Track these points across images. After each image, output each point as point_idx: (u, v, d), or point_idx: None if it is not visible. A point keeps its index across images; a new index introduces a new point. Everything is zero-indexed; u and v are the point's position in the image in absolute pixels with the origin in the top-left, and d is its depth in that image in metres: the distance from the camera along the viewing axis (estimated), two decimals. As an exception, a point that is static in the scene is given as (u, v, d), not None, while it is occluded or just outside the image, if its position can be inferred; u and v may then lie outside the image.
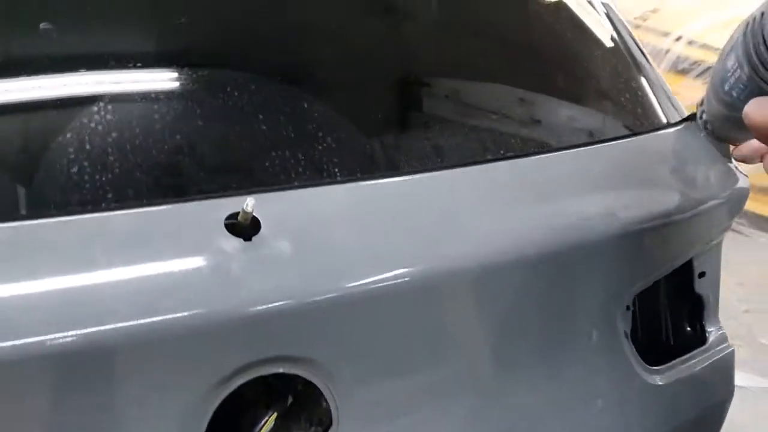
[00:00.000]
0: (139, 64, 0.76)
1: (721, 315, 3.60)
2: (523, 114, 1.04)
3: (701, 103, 0.77)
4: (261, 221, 0.71)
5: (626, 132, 1.07)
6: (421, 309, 0.79)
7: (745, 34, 0.58)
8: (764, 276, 3.67)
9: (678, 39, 4.07)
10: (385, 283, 0.74)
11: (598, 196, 0.94)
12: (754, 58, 0.57)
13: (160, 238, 0.69)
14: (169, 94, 0.76)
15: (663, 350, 1.10)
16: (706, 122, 0.76)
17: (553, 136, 1.03)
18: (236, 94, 0.80)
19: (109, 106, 0.73)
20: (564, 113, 1.08)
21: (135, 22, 0.79)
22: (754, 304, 3.41)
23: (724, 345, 1.13)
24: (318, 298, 0.71)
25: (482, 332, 0.86)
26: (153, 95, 0.76)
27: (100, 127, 0.72)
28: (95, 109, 0.72)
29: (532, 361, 0.90)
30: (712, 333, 1.12)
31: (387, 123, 0.87)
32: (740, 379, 3.08)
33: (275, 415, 0.85)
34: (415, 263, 0.77)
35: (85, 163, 0.70)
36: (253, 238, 0.70)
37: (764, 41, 0.56)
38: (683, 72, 4.06)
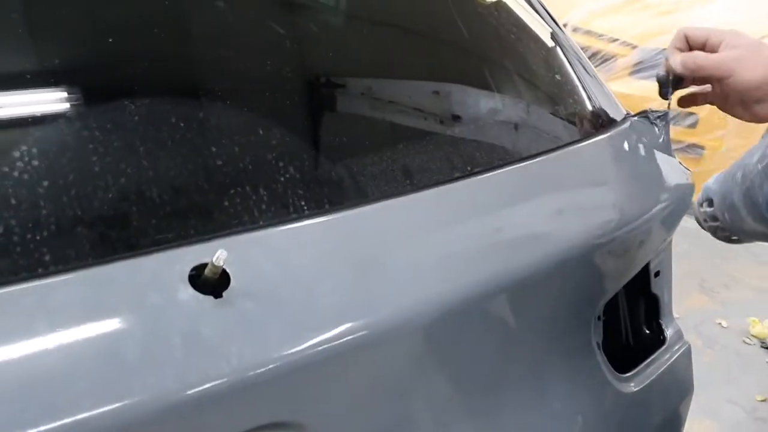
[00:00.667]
0: (64, 94, 0.64)
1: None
2: (459, 126, 0.98)
3: (702, 204, 0.70)
4: (231, 272, 0.62)
5: (576, 137, 1.04)
6: (410, 352, 0.72)
7: None
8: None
9: (564, 26, 4.18)
10: (372, 330, 0.67)
11: (561, 211, 0.90)
12: None
13: (116, 304, 0.58)
14: (102, 128, 0.64)
15: (625, 355, 1.08)
16: (715, 228, 0.71)
17: (505, 147, 0.99)
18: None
19: (34, 150, 0.61)
20: (509, 125, 1.03)
21: (54, 50, 0.66)
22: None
23: (681, 342, 1.13)
24: (301, 357, 0.62)
25: (472, 367, 0.80)
26: (84, 130, 0.64)
27: (25, 176, 0.59)
28: (17, 154, 0.60)
29: (516, 388, 0.86)
30: (670, 331, 1.12)
31: (356, 147, 0.79)
32: (649, 353, 3.17)
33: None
34: (400, 304, 0.70)
35: (12, 222, 0.58)
36: (224, 294, 0.61)
37: None
38: (570, 58, 4.22)
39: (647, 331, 1.10)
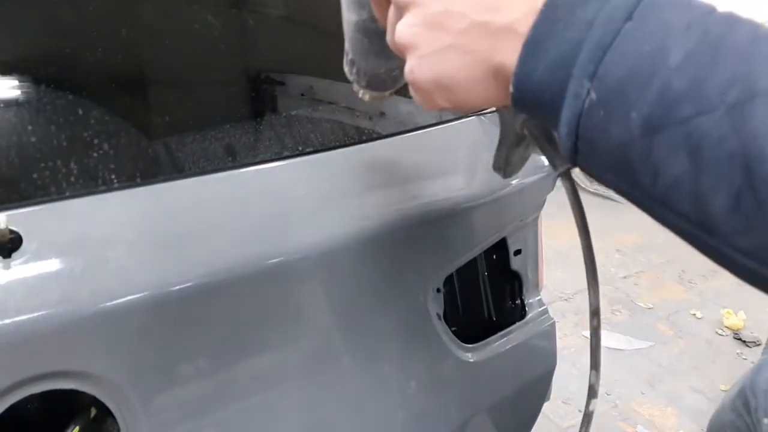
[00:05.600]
0: None
1: (601, 282, 3.75)
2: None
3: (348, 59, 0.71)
4: (24, 236, 0.69)
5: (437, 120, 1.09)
6: (215, 309, 0.79)
7: None
8: (640, 241, 3.86)
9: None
10: (163, 290, 0.74)
11: (400, 185, 0.96)
12: None
13: None
14: None
15: (488, 328, 1.14)
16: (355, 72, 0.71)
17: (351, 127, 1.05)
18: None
19: None
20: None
21: None
22: (631, 270, 3.59)
23: (543, 317, 1.18)
24: (83, 311, 0.70)
25: (288, 328, 0.87)
26: None
27: None
28: None
29: (344, 349, 0.91)
30: (532, 307, 1.17)
31: (173, 124, 0.86)
32: (618, 342, 3.23)
33: (78, 428, 0.84)
34: (199, 267, 0.77)
35: None
36: (13, 255, 0.68)
37: None
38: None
39: (510, 306, 1.15)
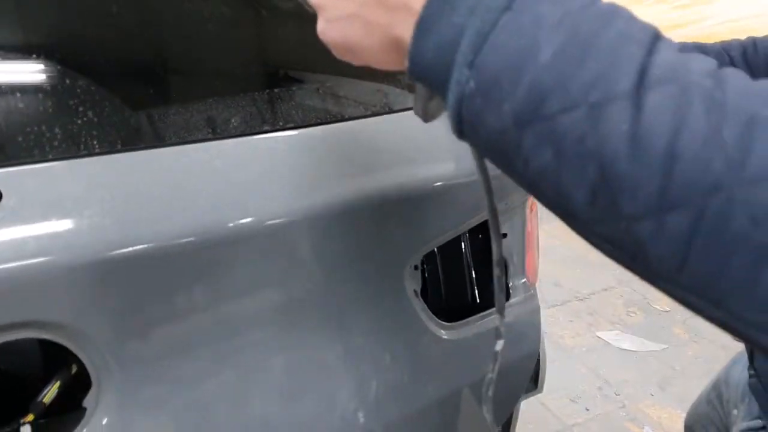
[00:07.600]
0: None
1: (619, 284, 3.69)
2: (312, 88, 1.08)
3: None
4: (4, 192, 0.73)
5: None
6: (186, 270, 0.82)
7: None
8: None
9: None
10: (134, 247, 0.77)
11: (379, 162, 0.98)
12: None
13: None
14: None
15: (472, 309, 1.15)
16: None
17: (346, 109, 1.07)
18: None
19: None
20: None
21: None
22: (650, 272, 3.55)
23: (528, 302, 1.19)
24: (56, 264, 0.73)
25: (262, 295, 0.89)
26: None
27: None
28: None
29: (317, 318, 0.94)
30: (517, 291, 1.18)
31: (154, 95, 0.90)
32: (631, 343, 3.20)
33: (58, 383, 0.88)
34: (161, 230, 0.80)
35: None
36: (-8, 209, 0.72)
37: None
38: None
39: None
